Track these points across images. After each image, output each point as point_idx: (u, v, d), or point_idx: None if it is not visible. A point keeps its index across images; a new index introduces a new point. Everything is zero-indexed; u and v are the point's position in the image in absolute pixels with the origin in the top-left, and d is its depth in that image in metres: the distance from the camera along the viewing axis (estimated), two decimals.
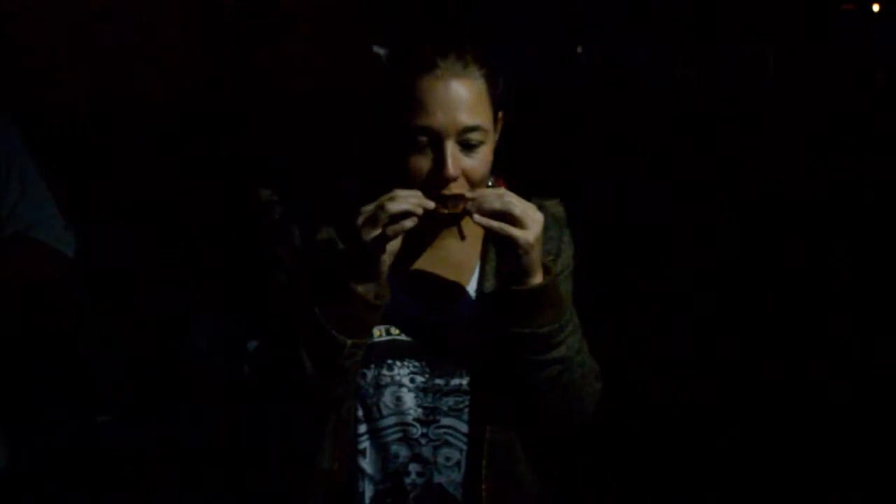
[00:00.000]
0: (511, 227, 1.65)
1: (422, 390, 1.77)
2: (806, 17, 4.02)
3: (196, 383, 3.62)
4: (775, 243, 3.99)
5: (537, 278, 1.69)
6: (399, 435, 1.78)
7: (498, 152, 1.79)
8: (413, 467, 1.78)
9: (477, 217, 1.67)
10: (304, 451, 1.79)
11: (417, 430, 1.77)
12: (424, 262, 1.83)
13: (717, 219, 4.06)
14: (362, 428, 1.78)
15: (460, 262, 1.84)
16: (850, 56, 3.98)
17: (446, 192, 1.71)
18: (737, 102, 4.03)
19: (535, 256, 1.68)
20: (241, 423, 3.23)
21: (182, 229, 3.96)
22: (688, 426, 3.80)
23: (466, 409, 1.78)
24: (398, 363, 1.77)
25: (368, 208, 1.65)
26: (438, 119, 1.69)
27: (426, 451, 1.77)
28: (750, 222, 4.02)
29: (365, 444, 1.78)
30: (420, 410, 1.77)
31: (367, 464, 1.78)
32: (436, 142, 1.70)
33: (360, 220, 1.65)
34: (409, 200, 1.64)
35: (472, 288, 1.82)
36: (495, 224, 1.66)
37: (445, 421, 1.78)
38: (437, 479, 1.78)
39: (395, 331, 1.77)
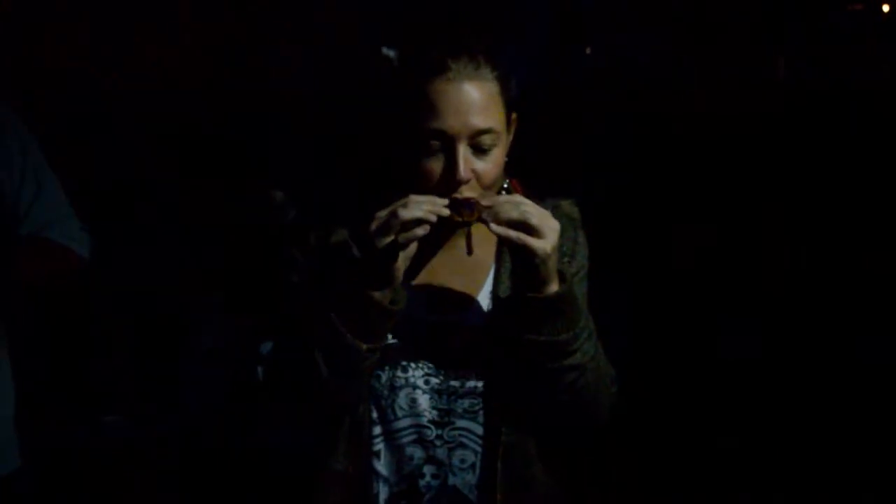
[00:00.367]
0: (528, 237, 1.63)
1: (436, 392, 1.77)
2: (813, 17, 4.03)
3: (200, 384, 3.62)
4: (776, 244, 3.99)
5: (553, 286, 1.68)
6: (414, 437, 1.77)
7: (511, 153, 1.79)
8: (428, 469, 1.77)
9: (493, 227, 1.65)
10: (318, 452, 1.79)
11: (432, 432, 1.77)
12: (439, 264, 1.83)
13: (719, 219, 4.06)
14: (377, 430, 1.77)
15: (475, 263, 1.83)
16: (858, 57, 3.98)
17: (458, 195, 1.71)
18: (744, 103, 4.04)
19: (552, 265, 1.67)
20: (249, 423, 3.23)
21: (187, 230, 3.96)
22: (688, 426, 3.80)
23: (481, 412, 1.77)
24: (412, 365, 1.77)
25: (382, 214, 1.64)
26: (450, 122, 1.68)
27: (441, 453, 1.77)
28: (751, 222, 4.03)
29: (379, 445, 1.78)
30: (435, 412, 1.77)
31: (381, 466, 1.78)
32: (448, 145, 1.69)
33: (374, 226, 1.64)
34: (422, 207, 1.62)
35: (486, 290, 1.82)
36: (513, 234, 1.64)
37: (460, 423, 1.77)
38: (452, 481, 1.77)
39: (409, 333, 1.76)
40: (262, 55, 4.31)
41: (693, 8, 4.22)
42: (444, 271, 1.81)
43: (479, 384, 1.77)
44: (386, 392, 1.77)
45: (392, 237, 1.62)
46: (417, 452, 1.77)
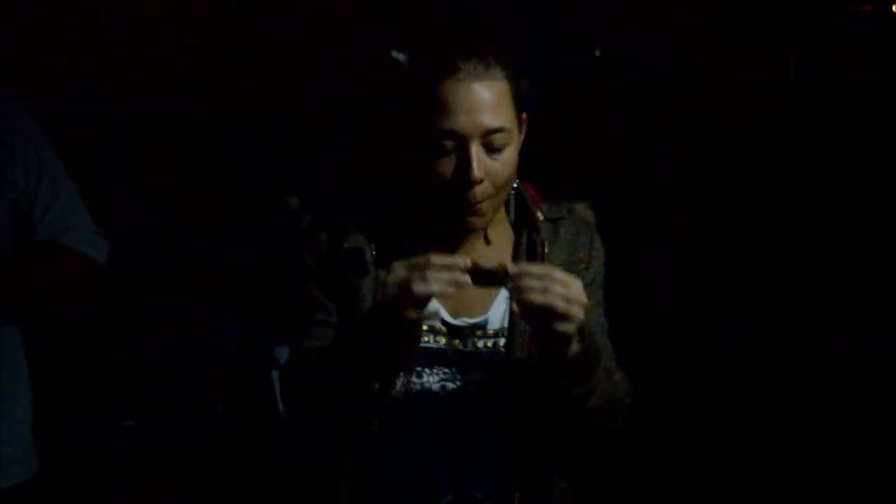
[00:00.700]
0: (553, 321, 1.58)
1: (453, 397, 1.76)
2: (823, 18, 4.03)
3: (213, 387, 3.62)
4: (776, 243, 4.00)
5: (574, 347, 1.63)
6: (430, 442, 1.76)
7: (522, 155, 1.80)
8: (445, 475, 1.76)
9: (516, 308, 1.61)
10: (331, 458, 1.78)
11: (448, 437, 1.76)
12: None
13: (719, 219, 4.07)
14: (393, 435, 1.76)
15: (490, 267, 1.83)
16: (866, 58, 3.98)
17: (471, 197, 1.71)
18: (745, 104, 4.04)
19: (575, 335, 1.62)
20: (263, 428, 3.24)
21: (202, 234, 3.97)
22: (688, 426, 3.81)
23: (498, 417, 1.76)
24: (427, 370, 1.77)
25: (398, 276, 1.58)
26: (462, 122, 1.68)
27: (457, 459, 1.76)
28: (753, 223, 4.03)
29: (395, 450, 1.77)
30: (451, 417, 1.76)
31: (396, 471, 1.77)
32: (460, 145, 1.69)
33: (390, 289, 1.58)
34: (440, 278, 1.56)
35: (503, 294, 1.80)
36: (538, 320, 1.60)
37: (476, 428, 1.76)
38: (468, 487, 1.76)
39: (424, 338, 1.75)
40: (263, 56, 4.31)
41: (696, 7, 4.23)
42: None
43: (496, 389, 1.76)
44: (402, 398, 1.76)
45: (408, 308, 1.57)
46: (434, 458, 1.76)
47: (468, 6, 3.97)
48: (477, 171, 1.69)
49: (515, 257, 1.84)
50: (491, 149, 1.71)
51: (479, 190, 1.70)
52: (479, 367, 1.77)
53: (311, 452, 1.84)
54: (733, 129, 4.09)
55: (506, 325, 1.79)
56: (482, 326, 1.79)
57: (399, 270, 1.58)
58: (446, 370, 1.77)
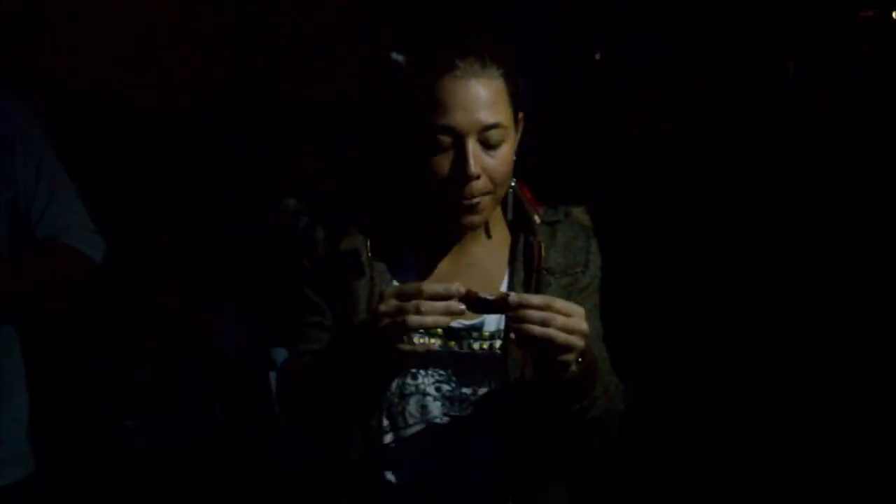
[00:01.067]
0: (553, 352, 1.58)
1: (448, 399, 1.77)
2: (824, 24, 4.03)
3: (211, 388, 3.62)
4: (776, 243, 4.00)
5: (573, 368, 1.63)
6: (425, 443, 1.77)
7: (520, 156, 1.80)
8: (440, 476, 1.77)
9: (514, 338, 1.60)
10: (328, 459, 1.79)
11: (444, 439, 1.76)
12: (450, 269, 1.83)
13: (720, 219, 4.07)
14: (388, 437, 1.77)
15: (487, 269, 1.84)
16: (870, 63, 3.98)
17: (468, 193, 1.71)
18: (755, 107, 4.05)
19: (574, 360, 1.61)
20: (260, 429, 3.24)
21: (202, 235, 3.97)
22: (689, 426, 3.81)
23: (493, 419, 1.76)
24: (422, 372, 1.77)
25: (389, 306, 1.55)
26: (458, 118, 1.69)
27: (453, 460, 1.76)
28: (753, 223, 4.03)
29: (391, 452, 1.77)
30: (447, 419, 1.76)
31: (392, 472, 1.77)
32: (457, 141, 1.70)
33: (381, 320, 1.56)
34: (435, 308, 1.54)
35: None
36: (537, 350, 1.60)
37: (472, 430, 1.76)
38: (465, 487, 1.77)
39: (420, 339, 1.72)
40: (263, 56, 4.31)
41: (696, 8, 4.23)
42: (455, 277, 1.80)
43: (492, 391, 1.77)
44: (396, 399, 1.77)
45: (402, 342, 1.56)
46: (429, 459, 1.76)
47: (468, 7, 3.98)
48: (473, 166, 1.70)
49: (512, 260, 1.84)
50: (487, 145, 1.72)
51: (476, 186, 1.71)
52: (474, 369, 1.77)
53: (311, 452, 1.84)
54: (733, 130, 4.09)
55: (502, 327, 1.79)
56: (478, 328, 1.79)
57: (390, 300, 1.57)
58: (441, 372, 1.77)
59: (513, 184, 1.83)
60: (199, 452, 3.54)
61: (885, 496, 3.46)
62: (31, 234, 2.42)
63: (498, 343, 1.78)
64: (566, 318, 1.57)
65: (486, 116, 1.70)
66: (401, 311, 1.54)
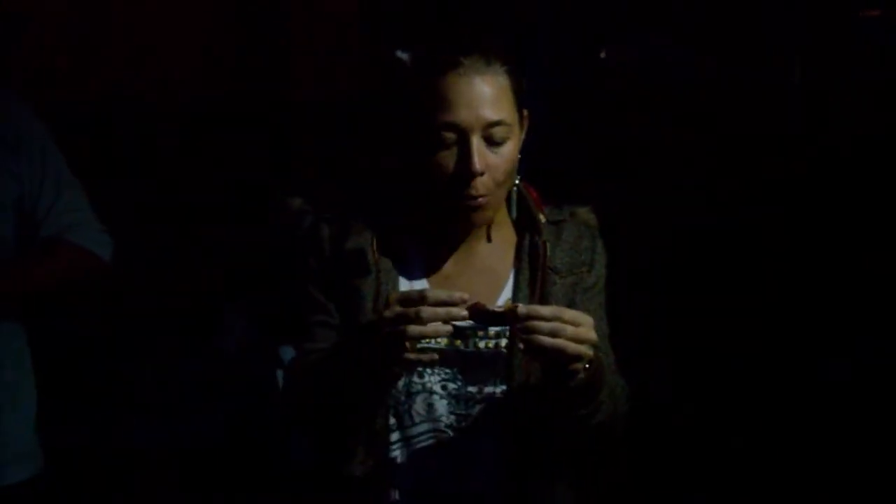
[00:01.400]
0: (562, 361, 1.58)
1: (454, 398, 1.76)
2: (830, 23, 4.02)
3: (219, 386, 3.62)
4: (779, 243, 4.00)
5: (580, 376, 1.63)
6: (432, 442, 1.76)
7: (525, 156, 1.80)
8: (446, 475, 1.76)
9: (523, 348, 1.61)
10: (334, 458, 1.78)
11: (450, 438, 1.76)
12: (455, 268, 1.82)
13: (721, 219, 4.06)
14: (395, 436, 1.77)
15: (492, 268, 1.83)
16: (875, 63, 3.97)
17: (473, 190, 1.71)
18: (762, 107, 4.04)
19: (582, 368, 1.62)
20: (266, 427, 3.24)
21: (204, 232, 3.97)
22: (691, 427, 3.80)
23: (499, 417, 1.76)
24: (429, 370, 1.76)
25: (393, 312, 1.56)
26: (462, 115, 1.69)
27: (459, 459, 1.76)
28: (754, 223, 4.03)
29: (397, 451, 1.77)
30: (453, 417, 1.76)
31: (398, 471, 1.77)
32: (461, 138, 1.70)
33: (384, 327, 1.56)
34: (437, 316, 1.54)
35: (505, 296, 1.81)
36: (546, 361, 1.61)
37: (478, 429, 1.76)
38: (471, 486, 1.76)
39: (426, 342, 1.72)
40: (263, 57, 4.31)
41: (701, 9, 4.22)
42: (461, 276, 1.81)
43: (498, 390, 1.76)
44: (402, 398, 1.76)
45: (403, 352, 1.56)
46: (435, 458, 1.76)
47: (472, 7, 3.98)
48: (477, 163, 1.70)
49: (517, 259, 1.84)
50: (491, 142, 1.72)
51: (480, 183, 1.71)
52: (480, 367, 1.77)
53: (315, 452, 1.84)
54: (736, 130, 4.09)
55: (507, 326, 1.78)
56: (483, 328, 1.77)
57: (394, 307, 1.57)
58: (447, 370, 1.77)
59: (517, 183, 1.82)
60: (199, 452, 3.53)
61: (886, 496, 3.46)
62: (36, 233, 2.41)
63: (503, 342, 1.77)
64: (576, 329, 1.57)
65: (491, 113, 1.71)
66: (402, 319, 1.55)
